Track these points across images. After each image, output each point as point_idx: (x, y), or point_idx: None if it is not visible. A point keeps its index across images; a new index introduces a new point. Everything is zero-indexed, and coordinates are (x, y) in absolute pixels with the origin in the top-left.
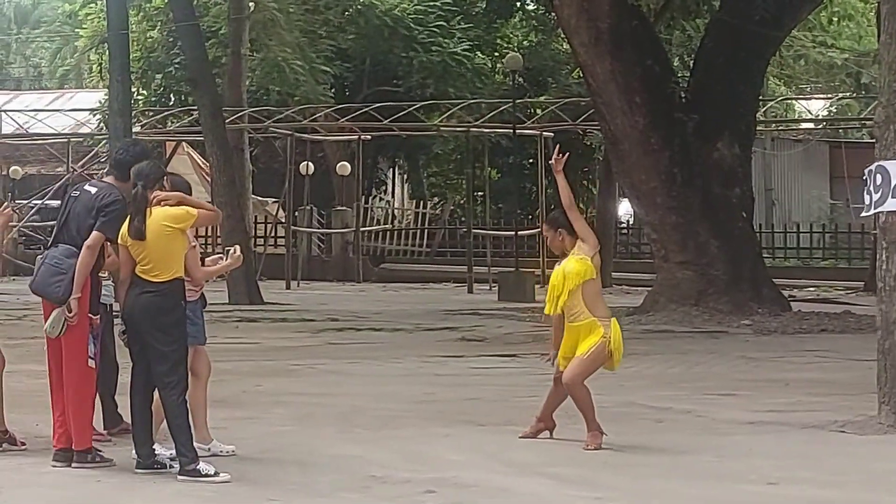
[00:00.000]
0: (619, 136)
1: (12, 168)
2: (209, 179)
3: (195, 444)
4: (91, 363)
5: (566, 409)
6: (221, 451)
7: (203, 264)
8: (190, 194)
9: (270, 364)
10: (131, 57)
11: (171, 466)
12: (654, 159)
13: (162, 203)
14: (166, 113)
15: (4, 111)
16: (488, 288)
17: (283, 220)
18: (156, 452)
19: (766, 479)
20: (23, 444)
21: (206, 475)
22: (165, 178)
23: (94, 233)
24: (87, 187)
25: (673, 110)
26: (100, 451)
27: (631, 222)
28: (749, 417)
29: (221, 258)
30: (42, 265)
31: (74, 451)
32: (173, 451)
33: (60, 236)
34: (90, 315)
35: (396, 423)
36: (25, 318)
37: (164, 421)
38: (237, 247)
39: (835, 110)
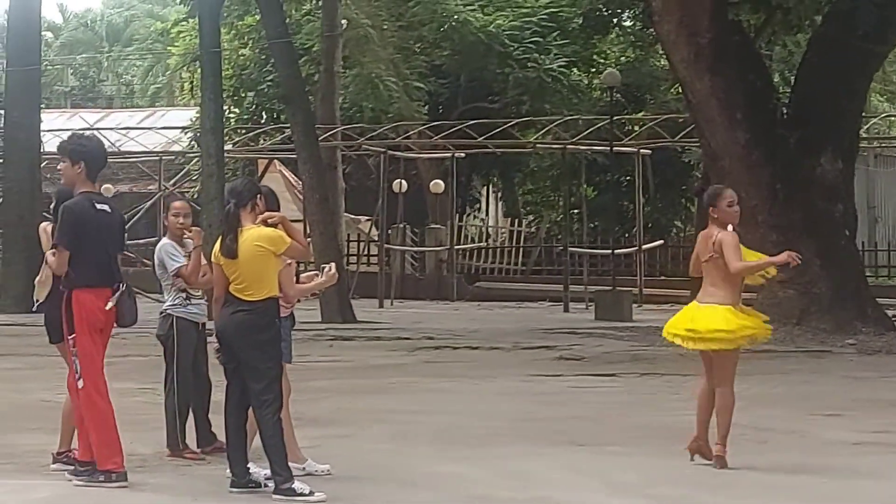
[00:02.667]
0: (720, 152)
1: (104, 186)
2: (301, 197)
3: (290, 463)
4: (80, 382)
5: (669, 429)
6: (317, 471)
7: (298, 281)
8: (279, 208)
9: (366, 382)
10: (223, 75)
11: (265, 485)
12: (755, 176)
13: (266, 222)
14: (258, 130)
15: (96, 129)
16: (585, 307)
17: (377, 238)
18: (251, 471)
19: (872, 502)
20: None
21: (302, 494)
22: (260, 196)
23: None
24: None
25: (774, 126)
26: (114, 471)
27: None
28: (854, 438)
29: (316, 275)
30: None
31: (77, 461)
32: (268, 471)
33: None
34: (69, 337)
35: (495, 441)
36: (114, 336)
37: (256, 439)
38: (332, 264)
39: None
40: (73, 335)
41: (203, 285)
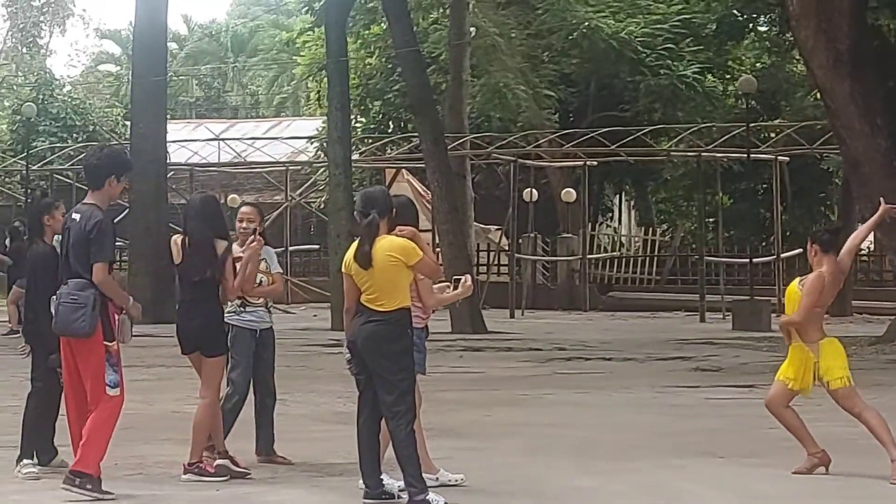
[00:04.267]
0: (860, 159)
1: (230, 196)
2: (430, 207)
3: (423, 474)
4: (113, 391)
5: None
6: (450, 480)
7: None
8: (416, 215)
9: (497, 393)
10: (350, 84)
11: (399, 496)
12: None
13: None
14: (385, 140)
15: (222, 139)
16: (721, 317)
17: (507, 248)
18: (384, 482)
19: None
20: (247, 470)
21: None
22: (394, 209)
23: (95, 267)
24: (73, 215)
25: None
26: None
27: (872, 248)
28: None
29: (448, 286)
30: (59, 305)
31: (70, 469)
32: (402, 482)
33: (66, 271)
34: (106, 343)
35: (632, 454)
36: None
37: (389, 450)
38: (467, 276)
39: None
40: (113, 342)
41: (260, 294)
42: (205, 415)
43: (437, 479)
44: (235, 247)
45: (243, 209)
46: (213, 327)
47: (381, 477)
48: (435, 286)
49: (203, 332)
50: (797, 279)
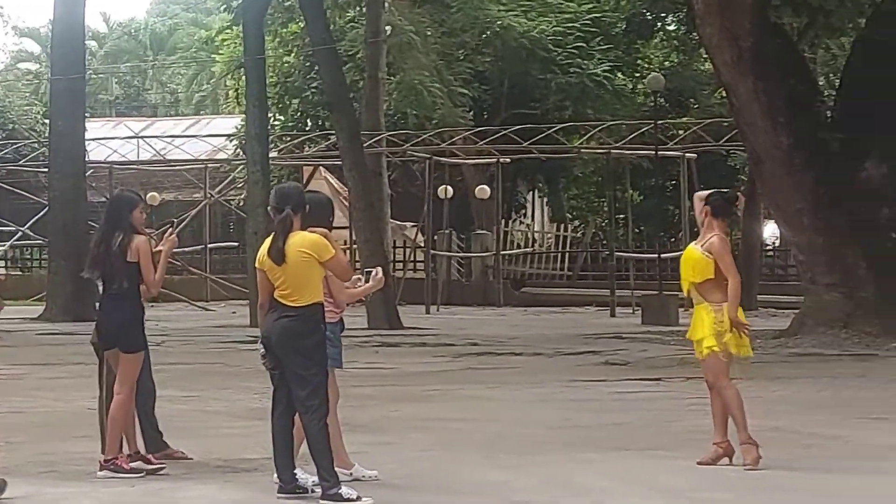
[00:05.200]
0: (763, 156)
1: (150, 194)
2: (347, 204)
3: (337, 468)
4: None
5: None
6: (364, 476)
7: None
8: (332, 212)
9: (410, 389)
10: (268, 82)
11: (313, 491)
12: (799, 180)
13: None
14: (303, 138)
15: (141, 137)
16: (631, 311)
17: (422, 245)
18: (297, 477)
19: None
20: (162, 465)
21: (349, 499)
22: (307, 206)
23: None
24: None
25: (818, 130)
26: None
27: (777, 244)
28: None
29: (360, 278)
30: None
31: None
32: (315, 477)
33: None
34: None
35: (540, 448)
36: (160, 344)
37: (304, 444)
38: (379, 269)
39: None
40: None
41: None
42: (119, 410)
43: (352, 474)
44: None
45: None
46: (131, 323)
47: (295, 471)
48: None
49: (121, 329)
50: (692, 244)
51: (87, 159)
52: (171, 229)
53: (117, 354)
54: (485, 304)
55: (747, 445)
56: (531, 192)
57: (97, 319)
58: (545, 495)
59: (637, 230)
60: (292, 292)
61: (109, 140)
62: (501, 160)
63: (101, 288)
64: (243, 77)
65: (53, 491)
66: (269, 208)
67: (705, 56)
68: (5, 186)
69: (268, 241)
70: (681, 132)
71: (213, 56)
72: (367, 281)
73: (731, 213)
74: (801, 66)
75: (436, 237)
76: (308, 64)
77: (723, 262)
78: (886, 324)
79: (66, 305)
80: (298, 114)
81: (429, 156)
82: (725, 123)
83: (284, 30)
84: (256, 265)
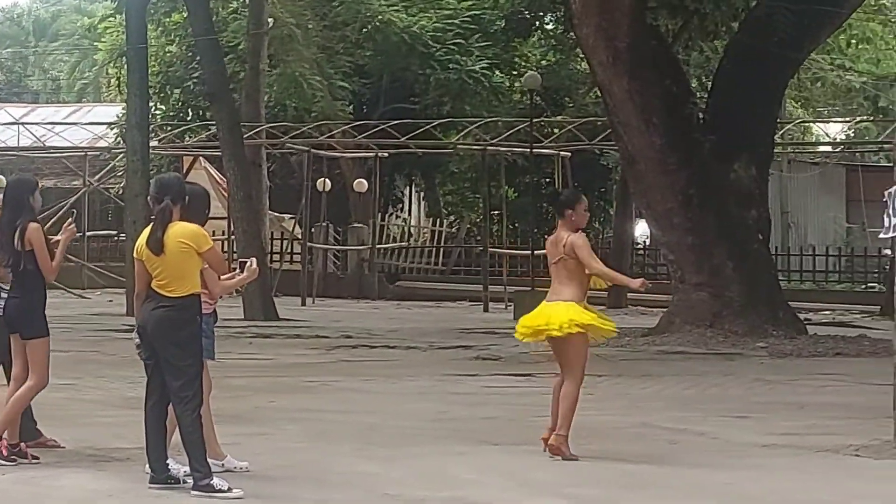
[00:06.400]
0: (636, 156)
1: None
2: (226, 195)
3: (209, 459)
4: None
5: (584, 428)
6: (235, 467)
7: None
8: (209, 204)
9: (284, 380)
10: (150, 71)
11: (184, 482)
12: (670, 180)
13: None
14: (184, 128)
15: (22, 124)
16: (504, 307)
17: (300, 237)
18: (170, 467)
19: (783, 502)
20: (35, 457)
21: (220, 490)
22: (186, 196)
23: None
24: None
25: (690, 131)
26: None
27: (647, 243)
28: (764, 440)
29: (236, 271)
30: None
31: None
32: (187, 467)
33: None
34: None
35: (411, 441)
36: None
37: (176, 435)
38: (253, 259)
39: (852, 133)
40: None
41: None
42: (22, 395)
43: (223, 465)
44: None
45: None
46: (30, 310)
47: (168, 462)
48: (224, 275)
49: (21, 315)
50: (552, 240)
51: None
52: (70, 220)
53: (18, 340)
54: (360, 297)
55: (564, 439)
56: (408, 187)
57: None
58: (416, 488)
59: (511, 226)
60: (170, 282)
61: None
62: (379, 154)
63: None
64: (125, 66)
65: None
66: (148, 198)
67: (582, 56)
68: None
69: (146, 230)
70: (556, 130)
71: (95, 44)
72: (241, 271)
73: (561, 214)
74: (676, 67)
75: (313, 229)
76: (190, 54)
77: (588, 255)
78: (752, 323)
79: None
80: (180, 104)
81: (307, 148)
82: (600, 123)
83: (167, 19)
84: (134, 255)
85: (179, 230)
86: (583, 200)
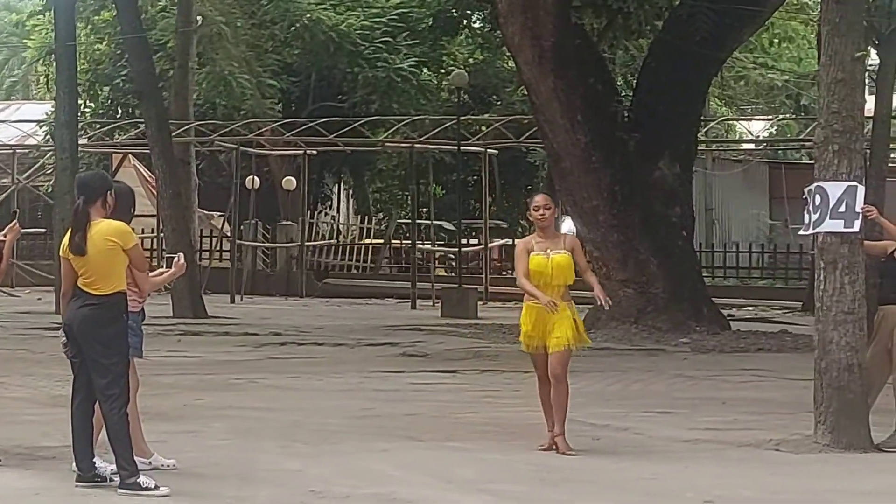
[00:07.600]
0: (562, 153)
1: None
2: (155, 192)
3: (136, 457)
4: None
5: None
6: (162, 465)
7: None
8: (134, 202)
9: (211, 378)
10: (79, 69)
11: (111, 480)
12: (595, 177)
13: None
14: (113, 125)
15: None
16: (431, 304)
17: (229, 234)
18: (96, 466)
19: (703, 497)
20: None
21: (147, 489)
22: (110, 191)
23: None
24: None
25: (615, 129)
26: None
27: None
28: (686, 435)
29: (163, 269)
30: None
31: None
32: (114, 466)
33: None
34: None
35: (336, 438)
36: None
37: (102, 433)
38: (181, 254)
39: (775, 131)
40: None
41: None
42: None
43: (150, 463)
44: None
45: (538, 198)
46: None
47: (94, 460)
48: (152, 273)
49: None
50: (550, 250)
51: None
52: (14, 220)
53: None
54: (288, 294)
55: (562, 436)
56: (337, 185)
57: None
58: (340, 485)
59: (439, 224)
60: (95, 280)
61: None
62: (308, 152)
63: None
64: (54, 63)
65: None
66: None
67: (508, 54)
68: None
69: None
70: (483, 128)
71: (24, 41)
72: (169, 267)
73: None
74: (601, 66)
75: (242, 227)
76: (119, 52)
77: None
78: (675, 319)
79: None
80: (109, 101)
81: (236, 146)
82: (526, 121)
83: (96, 17)
84: (61, 253)
85: (105, 228)
86: (532, 202)
